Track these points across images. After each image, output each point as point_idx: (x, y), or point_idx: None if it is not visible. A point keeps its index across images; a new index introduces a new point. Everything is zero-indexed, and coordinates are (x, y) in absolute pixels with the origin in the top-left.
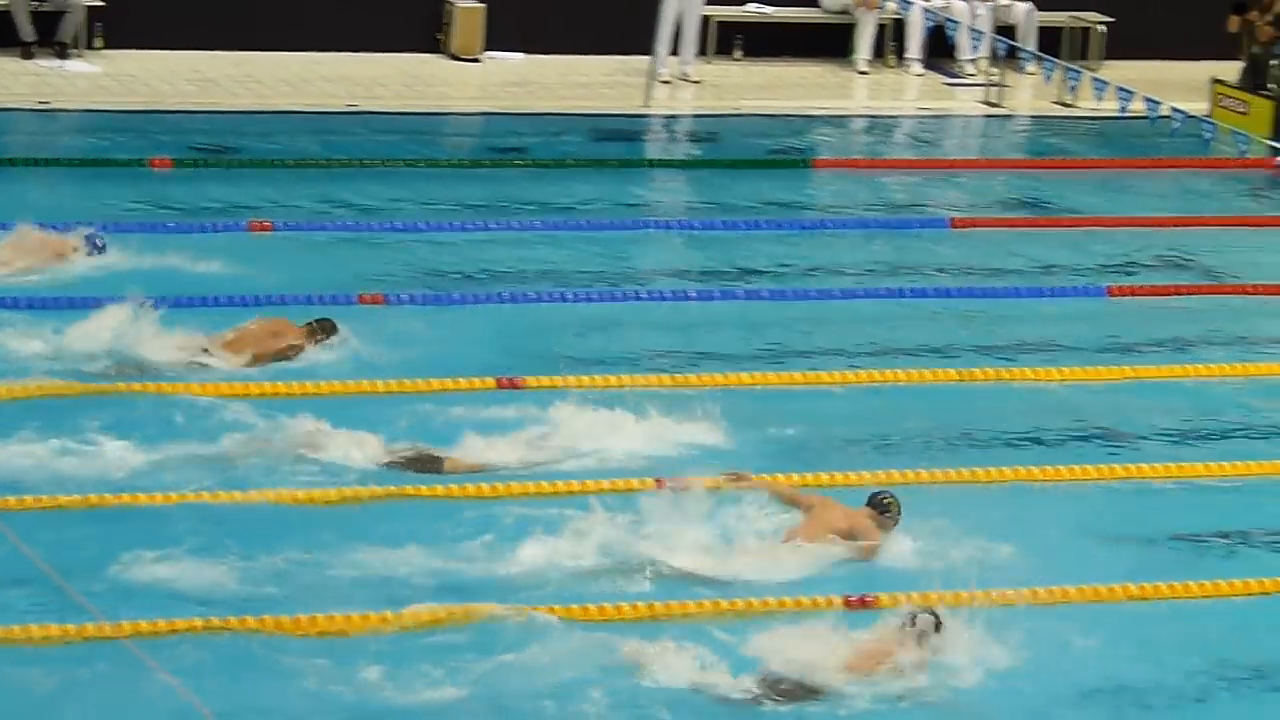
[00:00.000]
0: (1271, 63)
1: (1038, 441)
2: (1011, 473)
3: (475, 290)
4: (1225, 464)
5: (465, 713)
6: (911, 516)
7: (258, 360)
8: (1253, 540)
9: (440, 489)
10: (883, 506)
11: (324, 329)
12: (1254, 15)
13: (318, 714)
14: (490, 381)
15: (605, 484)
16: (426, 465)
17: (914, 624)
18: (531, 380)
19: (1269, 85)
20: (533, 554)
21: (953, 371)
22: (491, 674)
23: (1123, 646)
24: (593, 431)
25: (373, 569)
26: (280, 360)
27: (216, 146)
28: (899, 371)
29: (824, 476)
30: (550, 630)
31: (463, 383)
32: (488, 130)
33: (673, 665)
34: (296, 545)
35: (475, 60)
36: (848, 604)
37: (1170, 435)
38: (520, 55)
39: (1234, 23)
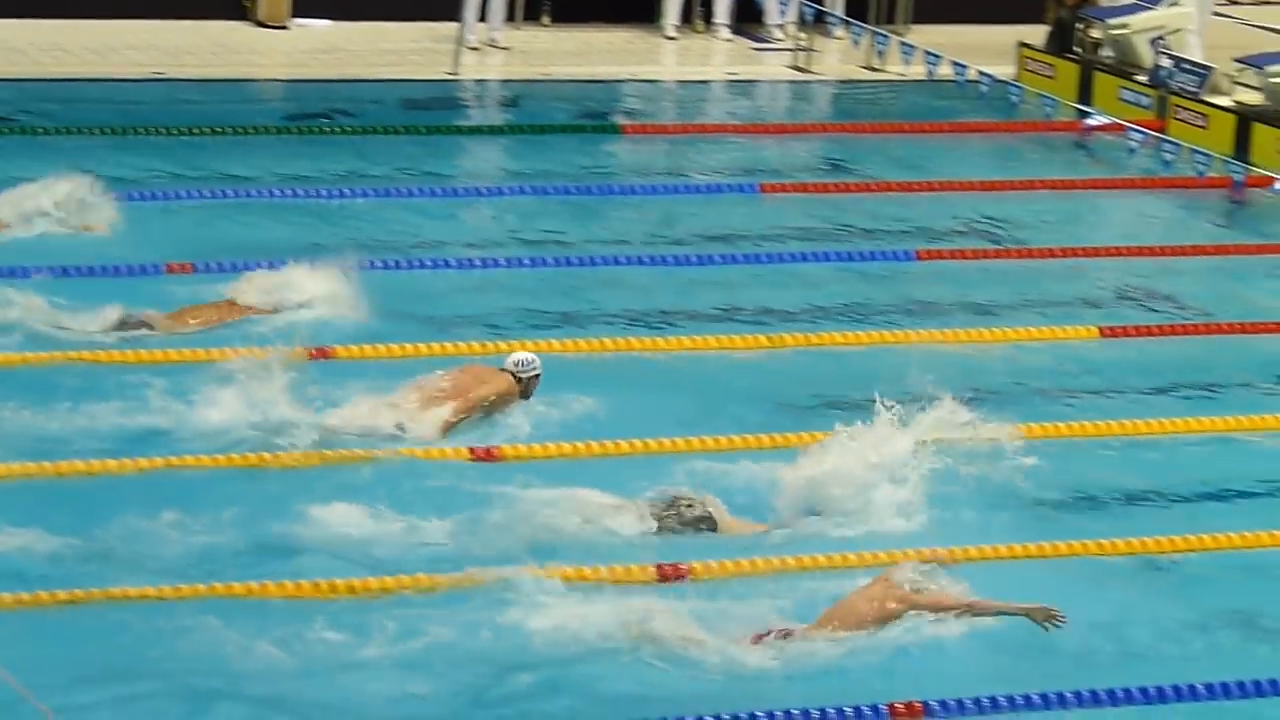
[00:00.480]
0: (1078, 26)
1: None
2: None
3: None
4: (1034, 425)
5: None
6: (715, 488)
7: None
8: (1063, 505)
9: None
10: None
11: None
12: None
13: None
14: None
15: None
16: None
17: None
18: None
19: (1075, 48)
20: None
21: (762, 337)
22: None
23: None
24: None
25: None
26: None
27: (20, 114)
28: (710, 338)
29: (624, 444)
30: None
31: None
32: (296, 98)
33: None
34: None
35: (283, 27)
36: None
37: (980, 397)
38: (328, 22)
39: None
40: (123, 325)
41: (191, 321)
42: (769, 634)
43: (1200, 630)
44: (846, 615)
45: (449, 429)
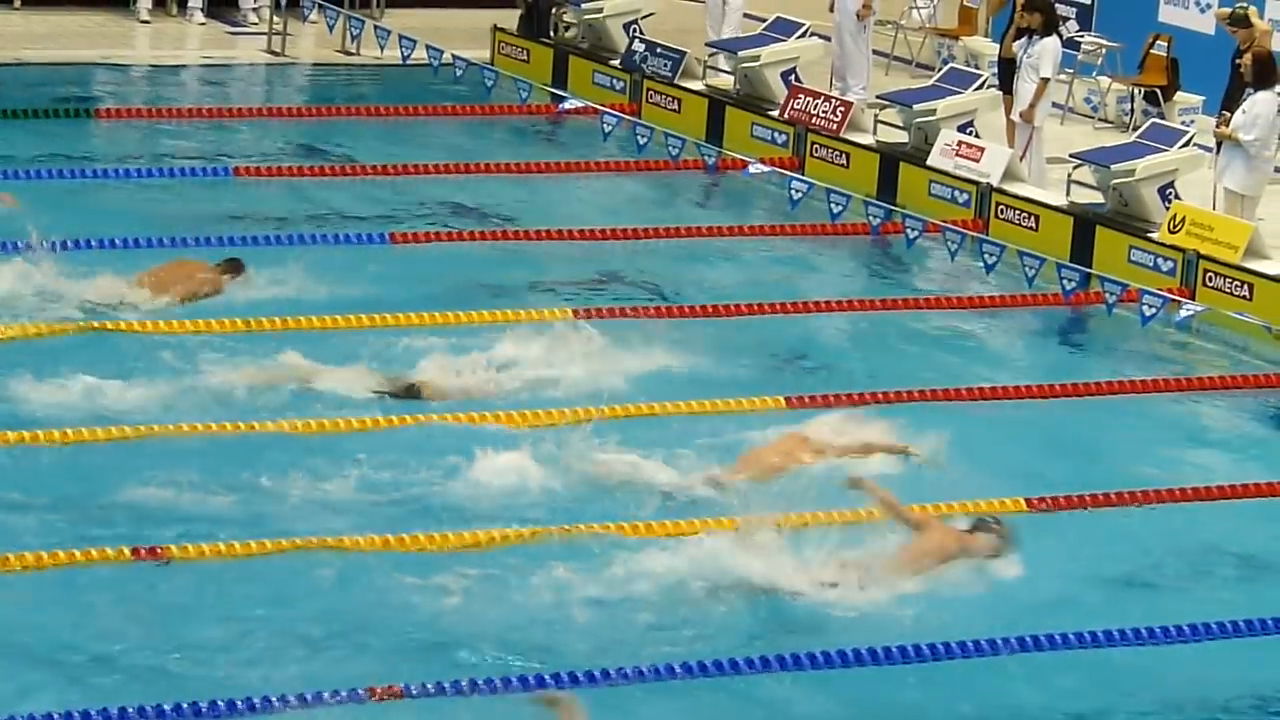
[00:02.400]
0: (552, 10)
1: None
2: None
3: None
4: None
5: None
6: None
7: (181, 300)
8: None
9: None
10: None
11: (233, 268)
12: None
13: None
14: None
15: None
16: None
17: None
18: None
19: (550, 33)
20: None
21: (239, 321)
22: None
23: None
24: None
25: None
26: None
27: None
28: (186, 323)
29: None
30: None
31: None
32: None
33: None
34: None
35: None
36: None
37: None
38: None
39: None
40: None
41: None
42: None
43: None
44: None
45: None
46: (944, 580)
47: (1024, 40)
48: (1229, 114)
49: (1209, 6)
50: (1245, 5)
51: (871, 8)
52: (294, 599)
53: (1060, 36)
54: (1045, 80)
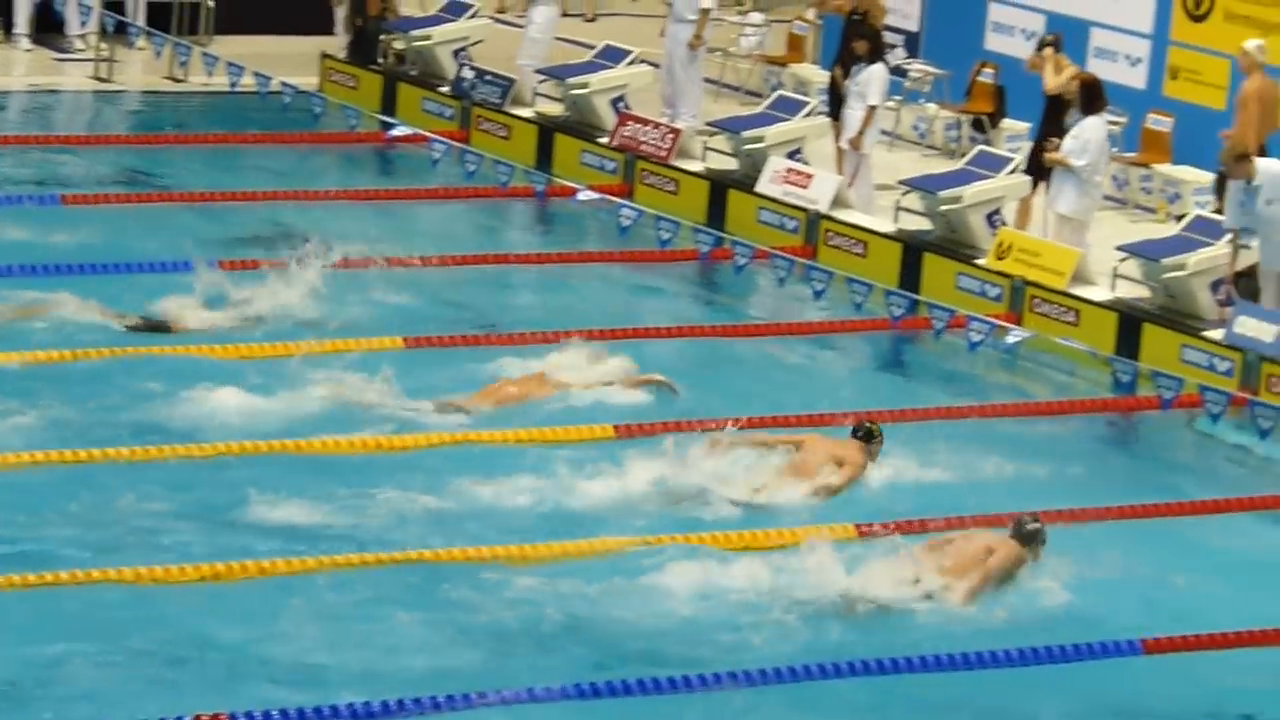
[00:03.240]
0: (381, 37)
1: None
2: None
3: None
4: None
5: None
6: None
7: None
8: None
9: None
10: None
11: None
12: None
13: None
14: None
15: None
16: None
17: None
18: None
19: (379, 59)
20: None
21: (54, 353)
22: None
23: None
24: None
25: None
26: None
27: None
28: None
29: None
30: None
31: None
32: None
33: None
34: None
35: None
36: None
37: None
38: None
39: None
40: None
41: None
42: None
43: None
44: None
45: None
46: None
47: (853, 68)
48: (1057, 140)
49: (1034, 34)
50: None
51: (703, 38)
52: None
53: (887, 64)
54: (872, 108)
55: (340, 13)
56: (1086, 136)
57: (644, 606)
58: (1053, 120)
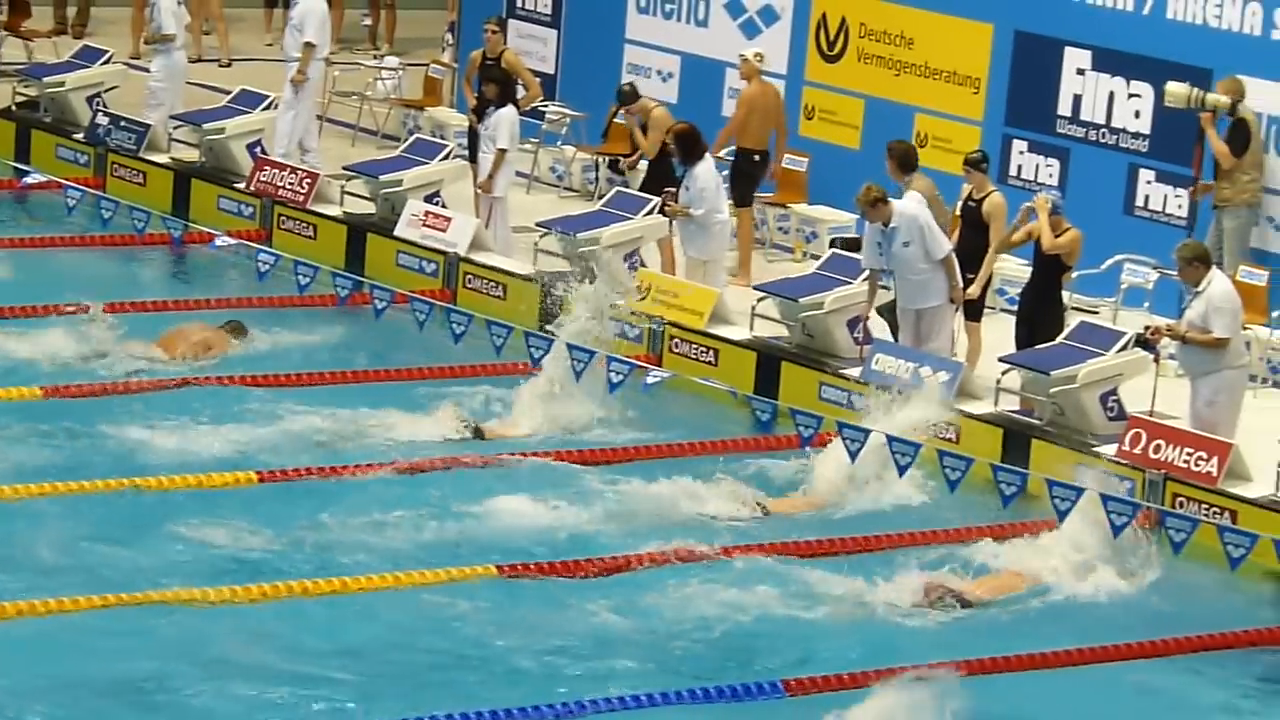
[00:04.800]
0: (15, 83)
1: None
2: None
3: None
4: None
5: None
6: None
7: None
8: None
9: None
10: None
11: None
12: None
13: None
14: None
15: None
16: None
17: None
18: None
19: (11, 106)
20: None
21: None
22: None
23: None
24: None
25: None
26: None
27: None
28: None
29: None
30: None
31: None
32: None
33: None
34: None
35: None
36: None
37: None
38: None
39: None
40: None
41: None
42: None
43: None
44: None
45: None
46: None
47: (485, 111)
48: (674, 190)
49: (670, 76)
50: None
51: (305, 74)
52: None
53: (518, 107)
54: (502, 151)
55: None
56: (700, 185)
57: None
58: (656, 178)
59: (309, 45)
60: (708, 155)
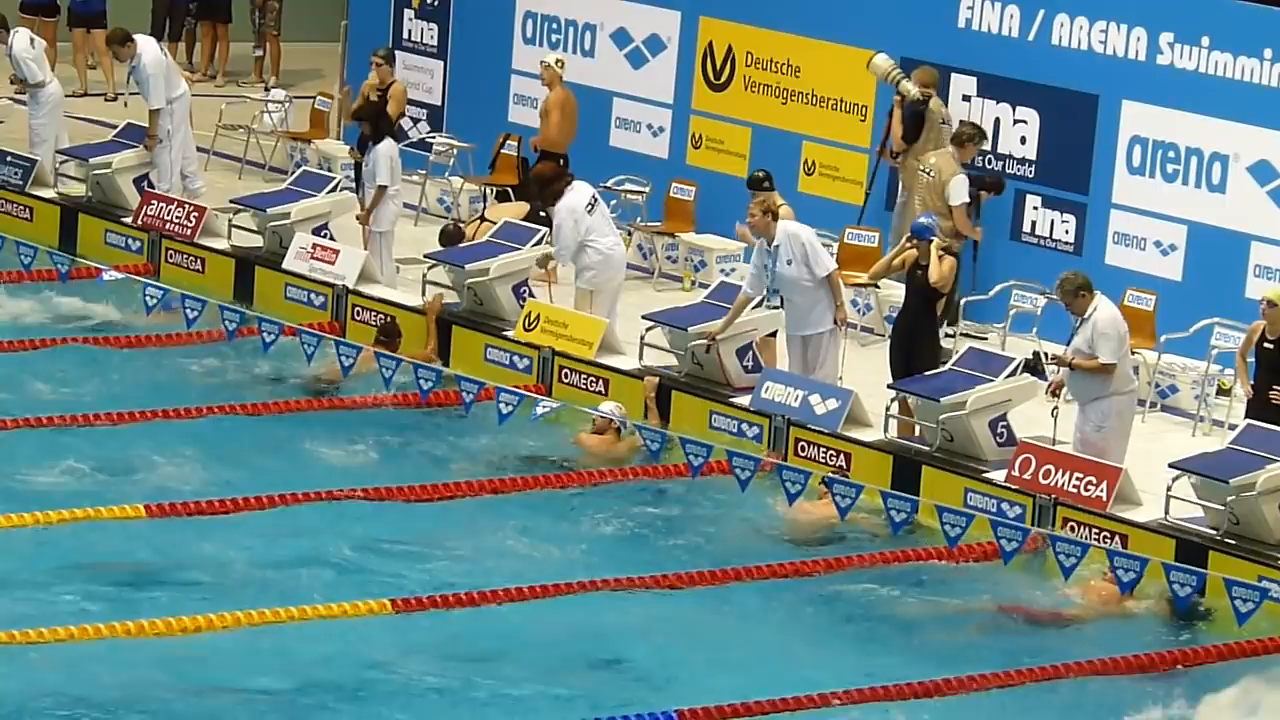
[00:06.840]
0: None
1: None
2: None
3: None
4: None
5: None
6: None
7: None
8: None
9: None
10: None
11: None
12: None
13: None
14: None
15: None
16: None
17: None
18: None
19: None
20: None
21: None
22: None
23: None
24: None
25: None
26: None
27: None
28: None
29: None
30: None
31: None
32: None
33: None
34: None
35: None
36: None
37: None
38: None
39: None
40: None
41: None
42: None
43: None
44: None
45: None
46: None
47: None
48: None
49: None
50: None
51: (157, 135)
52: None
53: (395, 139)
54: (382, 188)
55: None
56: (562, 225)
57: None
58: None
59: (154, 112)
60: (565, 193)
